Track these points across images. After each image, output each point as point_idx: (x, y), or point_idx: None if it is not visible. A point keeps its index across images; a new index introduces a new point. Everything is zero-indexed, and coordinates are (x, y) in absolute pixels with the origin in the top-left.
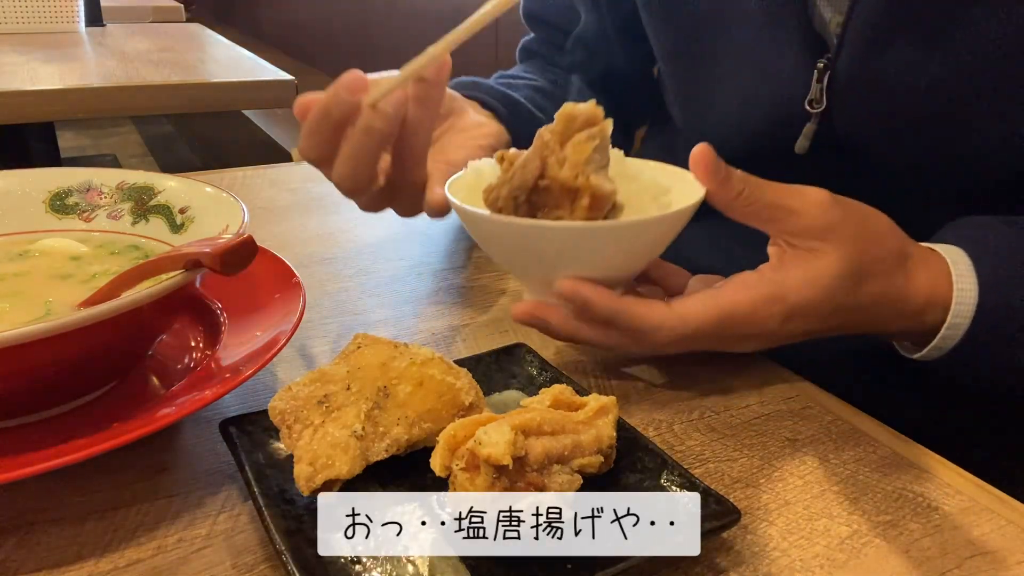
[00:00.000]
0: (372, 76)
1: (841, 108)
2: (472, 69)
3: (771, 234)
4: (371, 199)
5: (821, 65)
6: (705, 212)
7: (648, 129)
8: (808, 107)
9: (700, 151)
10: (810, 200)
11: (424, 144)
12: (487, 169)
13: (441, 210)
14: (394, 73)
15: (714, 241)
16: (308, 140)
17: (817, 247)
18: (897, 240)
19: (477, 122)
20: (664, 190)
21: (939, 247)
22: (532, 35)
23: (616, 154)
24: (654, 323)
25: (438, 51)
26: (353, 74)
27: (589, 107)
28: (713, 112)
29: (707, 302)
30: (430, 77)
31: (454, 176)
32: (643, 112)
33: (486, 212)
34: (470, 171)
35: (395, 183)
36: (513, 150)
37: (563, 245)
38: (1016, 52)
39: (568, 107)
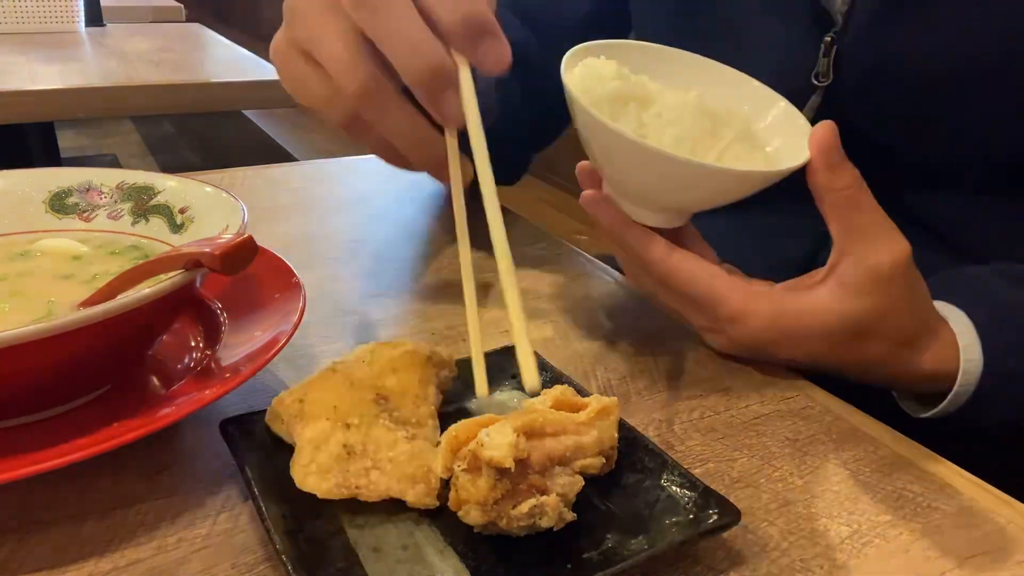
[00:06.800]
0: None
1: (846, 83)
2: None
3: (836, 247)
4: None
5: (828, 39)
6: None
7: None
8: (815, 80)
9: (824, 128)
10: (897, 245)
11: None
12: (607, 71)
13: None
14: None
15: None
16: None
17: (859, 288)
18: (925, 311)
19: None
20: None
21: (946, 313)
22: None
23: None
24: (651, 259)
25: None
26: None
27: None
28: None
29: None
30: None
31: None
32: None
33: (612, 125)
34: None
35: None
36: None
37: (681, 178)
38: (1017, 31)
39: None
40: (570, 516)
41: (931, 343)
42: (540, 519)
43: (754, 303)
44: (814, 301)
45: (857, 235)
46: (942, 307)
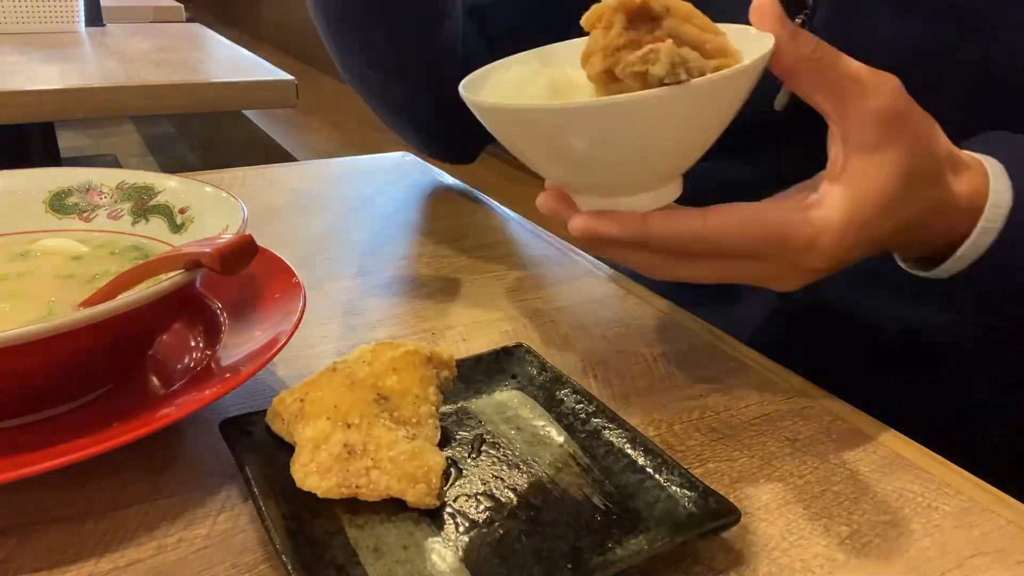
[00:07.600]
0: None
1: None
2: None
3: (834, 117)
4: None
5: (799, 21)
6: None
7: None
8: None
9: (764, 3)
10: (885, 80)
11: None
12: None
13: None
14: None
15: None
16: None
17: (881, 141)
18: (945, 139)
19: None
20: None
21: (972, 152)
22: None
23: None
24: (692, 234)
25: None
26: None
27: None
28: None
29: (773, 213)
30: None
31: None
32: None
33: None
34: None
35: None
36: None
37: (613, 126)
38: (981, 20)
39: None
40: (683, 76)
41: (963, 169)
42: (653, 66)
43: (819, 219)
44: (862, 181)
45: (846, 93)
46: (962, 152)
